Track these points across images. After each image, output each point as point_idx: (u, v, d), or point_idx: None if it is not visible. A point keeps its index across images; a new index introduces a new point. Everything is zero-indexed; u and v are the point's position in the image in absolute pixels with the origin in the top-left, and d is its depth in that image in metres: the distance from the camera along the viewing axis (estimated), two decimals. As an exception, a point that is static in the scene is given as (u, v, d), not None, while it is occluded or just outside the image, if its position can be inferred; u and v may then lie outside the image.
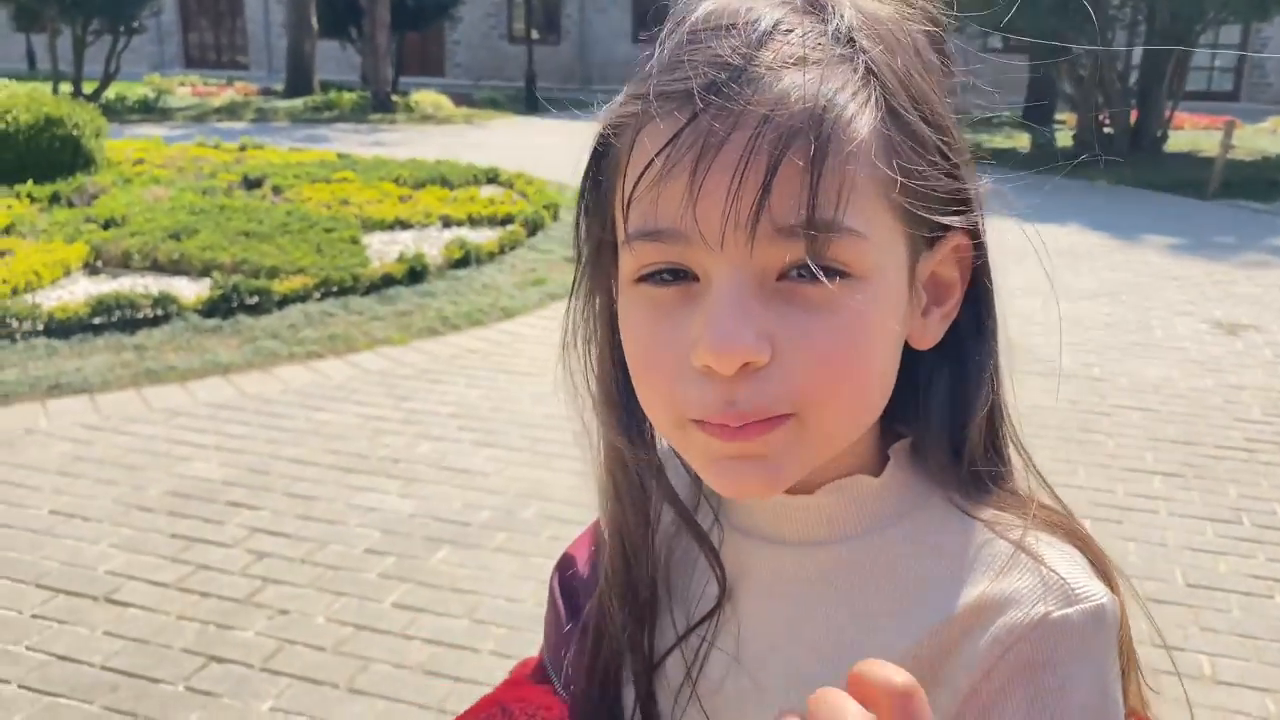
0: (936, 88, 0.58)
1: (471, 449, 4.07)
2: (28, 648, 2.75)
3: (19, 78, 24.36)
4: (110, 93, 17.81)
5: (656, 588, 0.68)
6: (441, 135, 15.80)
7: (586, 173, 0.60)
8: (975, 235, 0.60)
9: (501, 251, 7.17)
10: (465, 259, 6.77)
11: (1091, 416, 4.55)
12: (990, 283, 0.62)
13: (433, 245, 7.18)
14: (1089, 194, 11.45)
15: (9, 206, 7.66)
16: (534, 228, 7.88)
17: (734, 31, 0.53)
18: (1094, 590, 0.56)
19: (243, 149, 11.39)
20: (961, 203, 0.58)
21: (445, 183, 9.51)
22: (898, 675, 0.40)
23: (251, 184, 9.05)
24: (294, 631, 2.84)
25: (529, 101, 21.08)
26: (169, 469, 3.85)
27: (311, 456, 3.98)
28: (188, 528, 3.41)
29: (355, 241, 6.90)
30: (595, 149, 0.59)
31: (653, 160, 0.53)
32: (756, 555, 0.64)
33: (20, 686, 2.59)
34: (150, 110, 17.85)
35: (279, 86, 22.39)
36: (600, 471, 0.68)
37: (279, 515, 3.51)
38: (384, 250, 6.97)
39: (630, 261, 0.56)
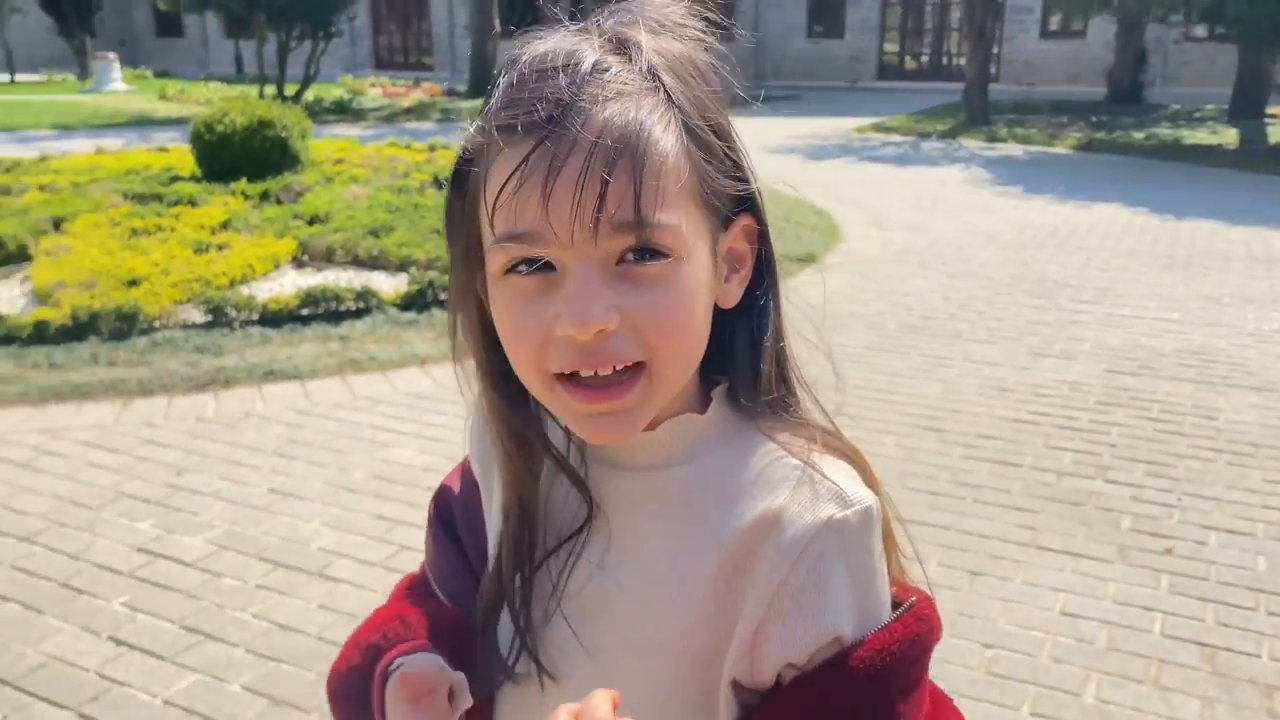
0: (719, 104, 0.73)
1: (653, 446, 4.15)
2: (252, 615, 2.99)
3: (228, 81, 26.23)
4: (309, 94, 18.93)
5: (538, 525, 0.80)
6: (616, 133, 16.06)
7: (449, 192, 0.74)
8: (758, 216, 0.76)
9: (678, 250, 7.27)
10: (644, 257, 6.89)
11: (1311, 436, 4.24)
12: (771, 253, 0.78)
13: (612, 243, 7.32)
14: (1305, 193, 10.61)
15: (225, 203, 8.28)
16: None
17: (561, 72, 0.67)
18: (863, 495, 0.74)
19: (432, 149, 11.90)
20: (745, 189, 0.74)
21: (622, 181, 9.68)
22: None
23: (442, 184, 9.46)
24: (490, 615, 2.98)
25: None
26: (373, 454, 4.09)
27: (502, 447, 4.14)
28: (391, 510, 3.62)
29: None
30: (455, 171, 0.73)
31: (509, 179, 0.66)
32: (614, 481, 0.79)
33: (247, 651, 2.82)
34: (345, 111, 18.88)
35: (462, 87, 23.27)
36: (492, 431, 0.81)
37: (473, 503, 3.67)
38: (565, 248, 7.16)
39: (497, 258, 0.69)
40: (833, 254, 7.64)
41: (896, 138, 15.86)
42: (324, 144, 11.54)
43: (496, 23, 22.18)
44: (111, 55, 26.24)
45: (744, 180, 0.74)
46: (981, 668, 2.73)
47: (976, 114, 16.75)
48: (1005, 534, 3.44)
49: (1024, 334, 5.69)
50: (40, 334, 5.30)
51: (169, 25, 37.51)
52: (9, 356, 5.11)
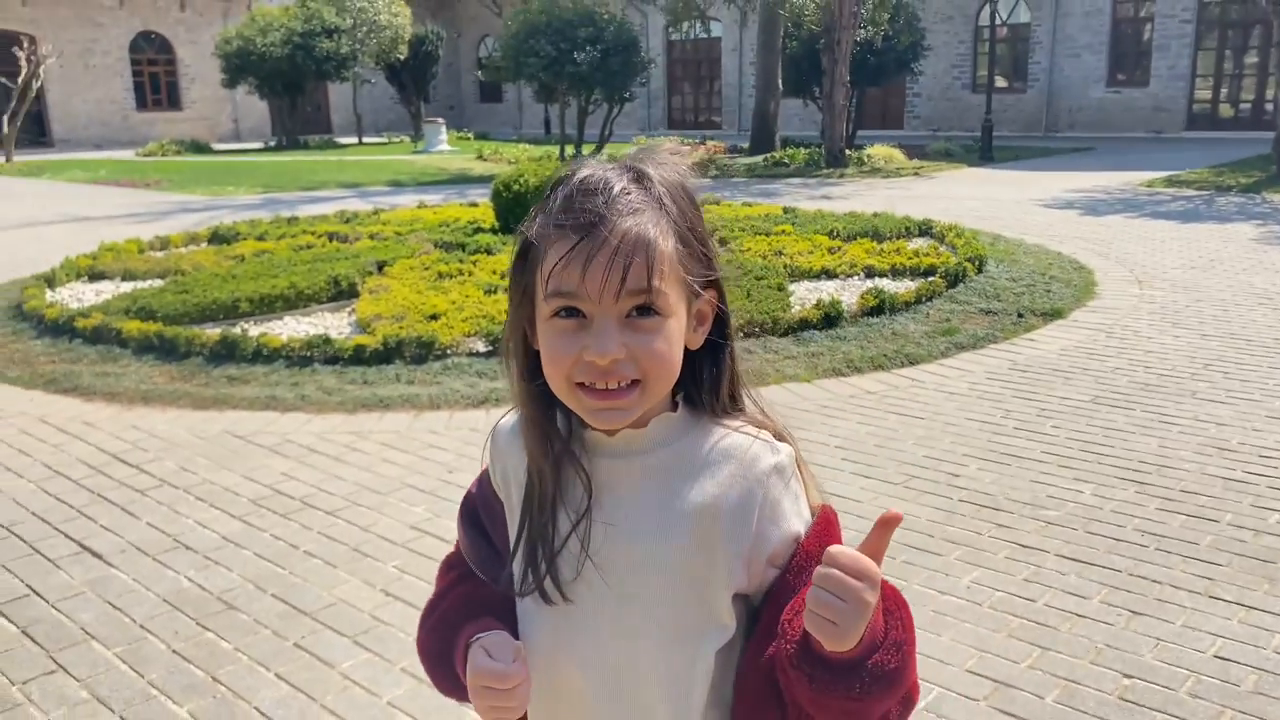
0: (700, 217, 1.10)
1: (849, 478, 4.51)
2: (490, 584, 3.67)
3: (536, 141, 28.76)
4: (604, 154, 20.52)
5: (556, 497, 1.14)
6: (887, 188, 16.23)
7: (514, 260, 1.10)
8: (719, 290, 1.13)
9: (918, 301, 7.47)
10: (879, 307, 7.14)
11: None
12: (727, 314, 1.14)
13: (853, 294, 7.67)
14: None
15: (515, 252, 9.40)
16: (955, 279, 8.06)
17: (598, 193, 1.04)
18: (786, 446, 1.15)
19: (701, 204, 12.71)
20: (711, 275, 1.11)
21: (876, 235, 9.98)
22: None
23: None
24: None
25: (984, 152, 20.83)
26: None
27: (713, 470, 4.65)
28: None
29: (781, 289, 7.58)
30: (521, 248, 1.08)
31: (560, 259, 1.03)
32: (615, 466, 1.13)
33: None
34: (634, 168, 20.22)
35: (745, 144, 24.17)
36: (523, 426, 1.16)
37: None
38: (806, 297, 7.57)
39: (547, 307, 1.05)
40: (1081, 310, 7.57)
41: (1190, 192, 14.96)
42: (607, 199, 12.60)
43: (779, 82, 22.97)
44: (440, 120, 29.58)
45: (711, 269, 1.09)
46: (1115, 694, 2.89)
47: (1289, 165, 15.46)
48: (1179, 581, 3.51)
49: (1269, 397, 5.49)
50: (358, 356, 6.43)
51: (491, 92, 41.58)
52: (334, 373, 6.26)
